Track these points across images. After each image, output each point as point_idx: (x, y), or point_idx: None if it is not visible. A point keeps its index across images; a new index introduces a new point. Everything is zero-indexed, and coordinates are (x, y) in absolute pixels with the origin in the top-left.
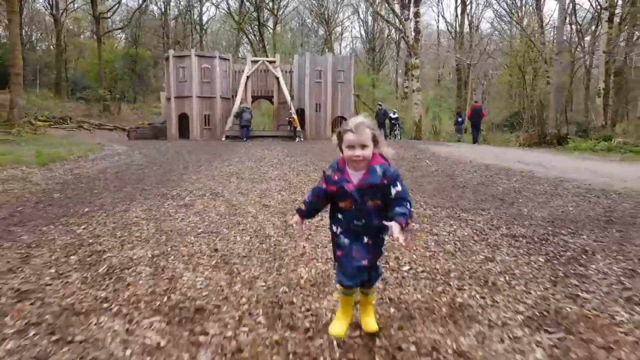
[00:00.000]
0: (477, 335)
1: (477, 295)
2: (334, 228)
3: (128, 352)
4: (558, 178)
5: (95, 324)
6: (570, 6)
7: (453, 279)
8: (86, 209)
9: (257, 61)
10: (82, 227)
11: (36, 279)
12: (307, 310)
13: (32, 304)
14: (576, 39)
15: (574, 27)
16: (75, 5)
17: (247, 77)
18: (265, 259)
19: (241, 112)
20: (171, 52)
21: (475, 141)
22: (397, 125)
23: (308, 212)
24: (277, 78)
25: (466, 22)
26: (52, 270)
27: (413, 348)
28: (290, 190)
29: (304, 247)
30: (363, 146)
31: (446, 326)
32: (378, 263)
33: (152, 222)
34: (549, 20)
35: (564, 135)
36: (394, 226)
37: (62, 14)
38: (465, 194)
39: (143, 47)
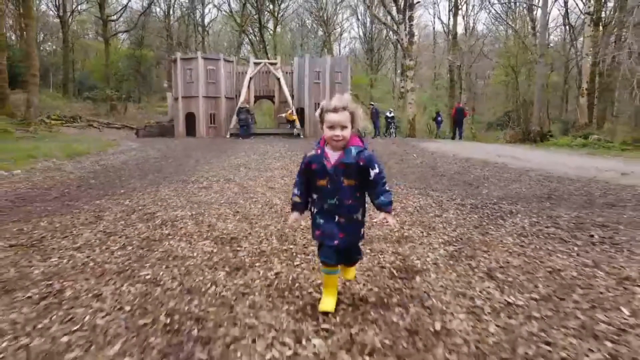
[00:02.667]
0: (410, 247)
1: (419, 232)
2: (312, 208)
3: (195, 253)
4: (525, 168)
5: (167, 244)
6: (564, 9)
7: (406, 225)
8: (122, 191)
9: (260, 63)
10: (127, 200)
11: (113, 227)
12: (305, 238)
13: (119, 237)
14: (569, 40)
15: (567, 27)
16: (81, 8)
17: (250, 78)
18: (274, 216)
19: (238, 112)
20: (178, 54)
21: (458, 136)
22: (393, 124)
23: (304, 202)
24: (278, 79)
25: (462, 23)
26: (122, 222)
27: (368, 251)
28: (291, 177)
29: None
30: (342, 127)
31: (392, 244)
32: (360, 245)
33: (182, 197)
34: None
35: (546, 133)
36: (386, 217)
37: (69, 16)
38: (442, 181)
39: (146, 48)
